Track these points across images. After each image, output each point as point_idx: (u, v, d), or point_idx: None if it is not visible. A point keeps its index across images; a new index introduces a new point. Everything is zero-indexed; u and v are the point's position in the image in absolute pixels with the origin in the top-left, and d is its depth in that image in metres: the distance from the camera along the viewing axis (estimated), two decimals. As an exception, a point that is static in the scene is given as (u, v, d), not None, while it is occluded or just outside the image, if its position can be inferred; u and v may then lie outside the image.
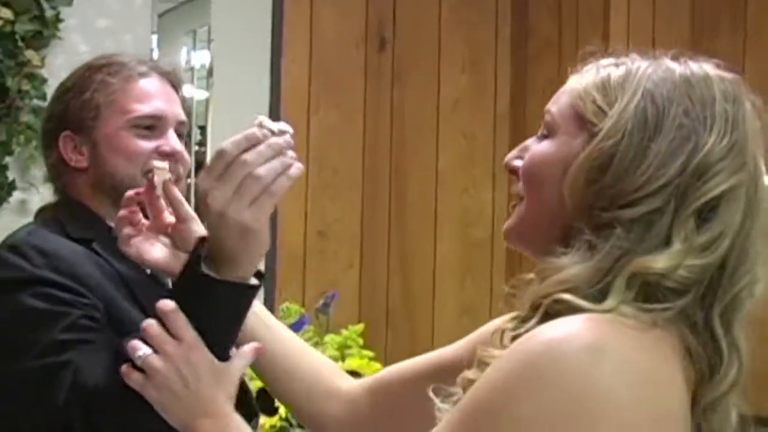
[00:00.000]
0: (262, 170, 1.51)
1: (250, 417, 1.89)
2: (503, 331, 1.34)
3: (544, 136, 1.38)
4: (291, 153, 1.57)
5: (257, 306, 1.78)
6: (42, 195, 2.10)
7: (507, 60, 4.25)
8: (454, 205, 4.19)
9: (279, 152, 1.54)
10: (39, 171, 3.06)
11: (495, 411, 1.19)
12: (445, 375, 1.51)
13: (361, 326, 3.34)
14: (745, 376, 1.30)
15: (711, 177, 1.27)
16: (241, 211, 1.51)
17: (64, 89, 2.02)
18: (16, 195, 3.53)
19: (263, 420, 2.88)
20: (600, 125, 1.31)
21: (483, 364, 1.30)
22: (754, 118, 1.32)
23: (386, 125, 4.14)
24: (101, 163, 1.96)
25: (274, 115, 3.87)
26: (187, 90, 3.86)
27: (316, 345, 3.18)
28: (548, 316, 1.27)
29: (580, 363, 1.18)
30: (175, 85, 2.05)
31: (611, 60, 1.37)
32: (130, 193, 1.79)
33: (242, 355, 1.62)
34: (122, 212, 1.79)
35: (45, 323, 1.70)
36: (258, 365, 1.77)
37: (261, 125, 1.56)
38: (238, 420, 1.52)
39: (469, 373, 1.32)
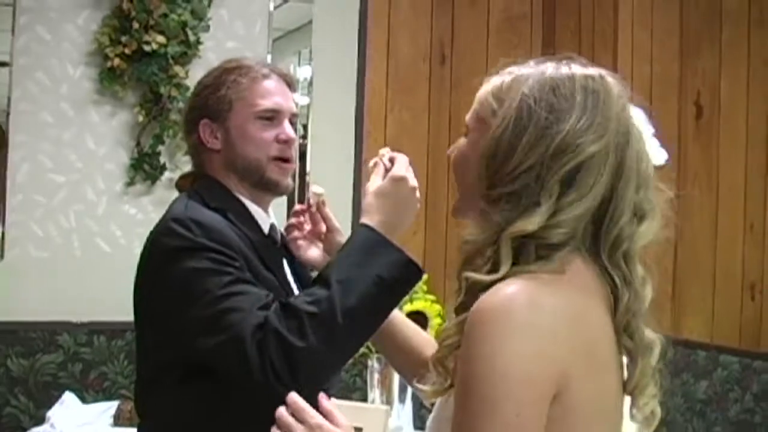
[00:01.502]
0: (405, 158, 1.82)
1: None
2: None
3: (465, 135, 1.43)
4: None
5: None
6: (185, 174, 2.18)
7: (539, 72, 4.27)
8: (497, 184, 4.20)
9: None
10: (183, 156, 3.20)
11: (487, 380, 1.17)
12: None
13: (425, 276, 3.32)
14: (642, 303, 1.33)
15: (570, 152, 1.28)
16: (406, 176, 1.79)
17: (203, 86, 2.03)
18: (166, 174, 3.62)
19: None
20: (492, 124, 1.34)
21: (441, 340, 1.33)
22: (619, 103, 1.33)
23: (445, 123, 4.15)
24: (232, 147, 1.97)
25: (359, 114, 4.01)
26: (295, 97, 3.96)
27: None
28: (468, 289, 1.28)
29: (525, 316, 1.20)
30: (290, 84, 2.06)
31: (508, 69, 1.39)
32: (297, 207, 1.98)
33: None
34: (292, 220, 1.96)
35: (211, 280, 1.74)
36: (376, 338, 1.78)
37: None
38: None
39: (437, 352, 1.34)
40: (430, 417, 1.44)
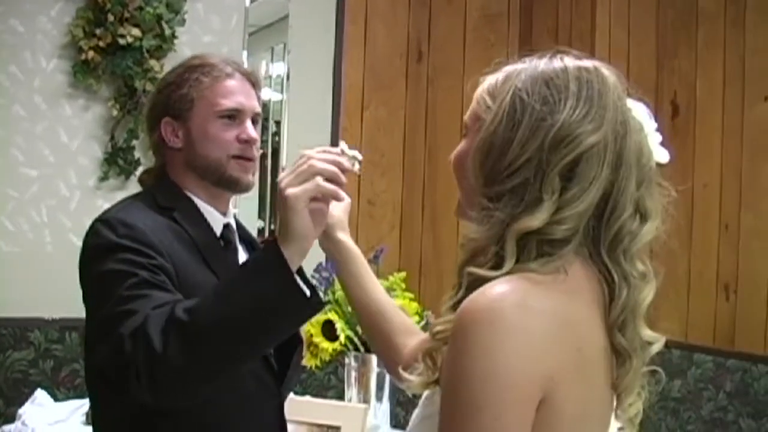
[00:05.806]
0: (318, 162, 1.54)
1: (295, 344, 2.00)
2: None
3: (464, 136, 1.42)
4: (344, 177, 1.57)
5: (371, 274, 1.83)
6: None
7: (516, 70, 4.30)
8: (473, 181, 4.23)
9: (338, 165, 1.58)
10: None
11: (470, 381, 1.17)
12: None
13: (404, 274, 3.24)
14: (641, 300, 1.32)
15: (567, 143, 1.27)
16: (289, 183, 1.53)
17: (166, 83, 2.01)
18: (140, 169, 3.52)
19: (326, 345, 2.92)
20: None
21: (433, 334, 1.31)
22: (615, 93, 1.32)
23: (422, 119, 4.19)
24: (193, 146, 1.97)
25: (335, 111, 4.03)
26: (267, 93, 3.94)
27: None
28: (470, 285, 1.26)
29: (514, 318, 1.18)
30: (254, 83, 2.04)
31: (504, 67, 1.38)
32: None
33: None
34: None
35: (119, 282, 1.71)
36: (362, 312, 1.80)
37: (342, 151, 1.62)
38: None
39: (426, 344, 1.34)
40: (414, 414, 1.42)
